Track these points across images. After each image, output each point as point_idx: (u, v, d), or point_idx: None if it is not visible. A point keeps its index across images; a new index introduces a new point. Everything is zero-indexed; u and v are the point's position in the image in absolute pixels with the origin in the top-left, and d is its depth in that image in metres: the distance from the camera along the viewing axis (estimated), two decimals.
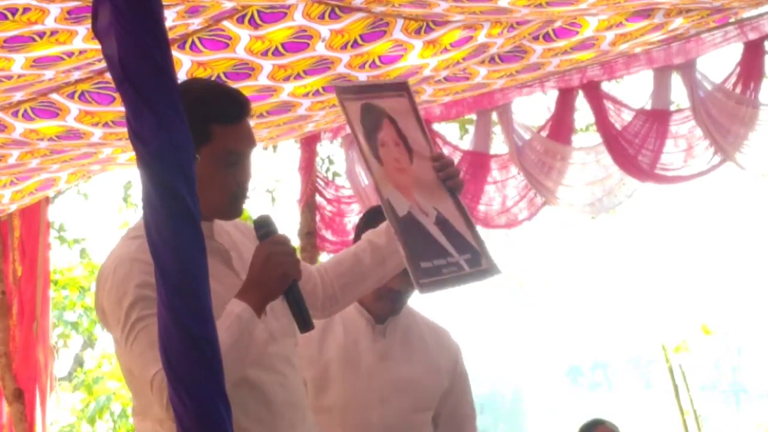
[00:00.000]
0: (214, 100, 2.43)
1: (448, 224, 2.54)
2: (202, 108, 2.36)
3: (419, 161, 2.58)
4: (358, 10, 3.32)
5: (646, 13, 3.86)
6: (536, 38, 3.93)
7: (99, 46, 1.80)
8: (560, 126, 5.07)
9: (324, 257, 5.49)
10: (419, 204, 2.52)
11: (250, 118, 2.47)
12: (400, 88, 2.68)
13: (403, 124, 2.60)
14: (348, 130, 2.50)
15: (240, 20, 3.28)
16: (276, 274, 2.32)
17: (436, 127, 5.44)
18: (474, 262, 2.53)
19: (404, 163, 2.56)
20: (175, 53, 3.36)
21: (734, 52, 4.63)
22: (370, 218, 2.99)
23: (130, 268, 2.33)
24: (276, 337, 2.45)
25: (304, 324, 2.36)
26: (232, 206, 2.46)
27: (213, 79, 3.67)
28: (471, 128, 5.63)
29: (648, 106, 4.85)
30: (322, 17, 3.32)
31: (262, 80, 3.78)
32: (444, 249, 2.50)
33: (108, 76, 2.80)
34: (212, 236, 2.46)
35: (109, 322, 2.38)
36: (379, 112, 2.57)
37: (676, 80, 4.78)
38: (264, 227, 2.40)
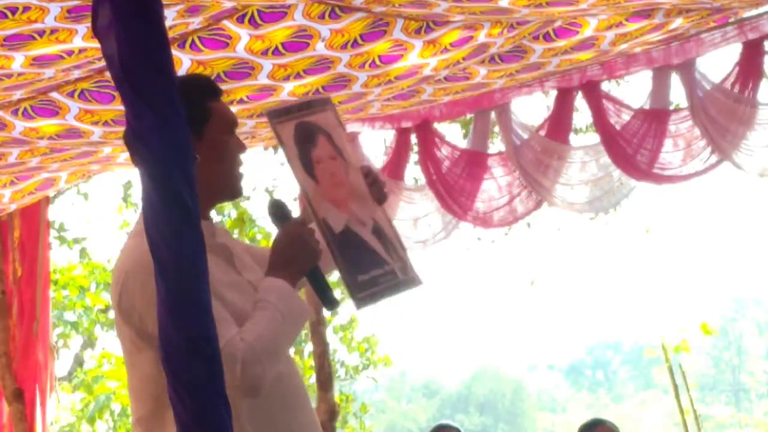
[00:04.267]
0: (199, 81, 2.61)
1: (382, 233, 2.60)
2: (196, 91, 2.51)
3: (353, 173, 2.63)
4: (358, 9, 3.33)
5: (646, 13, 3.86)
6: (536, 38, 3.94)
7: (99, 45, 1.80)
8: (558, 125, 5.07)
9: None
10: (356, 215, 2.57)
11: None
12: (324, 103, 2.72)
13: (336, 137, 2.64)
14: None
15: (240, 20, 3.28)
16: (306, 252, 2.44)
17: (437, 126, 5.44)
18: (404, 271, 2.59)
19: (340, 176, 2.61)
20: (175, 52, 3.36)
21: (733, 52, 4.64)
22: None
23: (149, 271, 2.36)
24: None
25: (330, 301, 2.48)
26: (236, 183, 2.56)
27: (213, 78, 3.67)
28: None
29: (647, 106, 4.85)
30: (322, 17, 3.33)
31: (262, 80, 3.78)
32: (381, 258, 2.55)
33: (108, 74, 2.80)
34: (214, 235, 2.52)
35: (144, 318, 2.37)
36: (312, 128, 2.61)
37: (676, 80, 4.78)
38: (281, 209, 2.53)
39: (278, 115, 2.57)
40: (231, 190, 2.57)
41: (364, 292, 2.47)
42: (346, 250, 2.49)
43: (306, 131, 2.58)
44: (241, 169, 2.58)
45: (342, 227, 2.51)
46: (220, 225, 2.67)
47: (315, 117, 2.62)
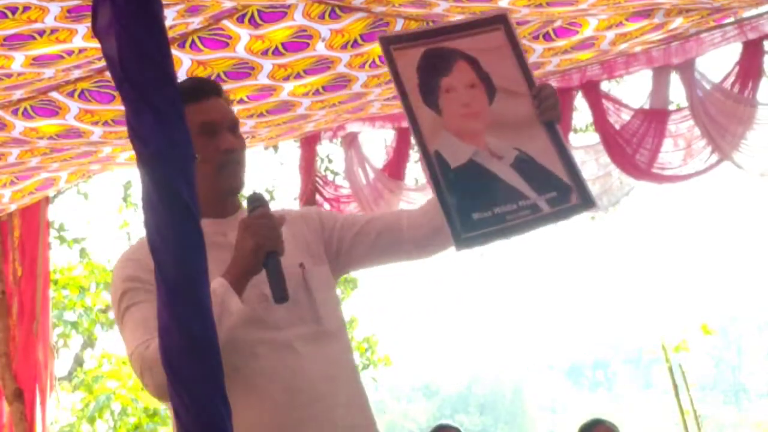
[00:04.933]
0: (183, 86, 2.57)
1: (531, 164, 2.42)
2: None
3: (507, 99, 2.46)
4: (358, 10, 3.33)
5: (646, 13, 3.86)
6: (536, 38, 3.94)
7: (99, 45, 1.80)
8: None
9: None
10: (491, 148, 2.43)
11: (219, 99, 2.59)
12: (495, 21, 2.52)
13: (490, 61, 2.48)
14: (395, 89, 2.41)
15: (240, 20, 3.28)
16: (250, 246, 2.37)
17: None
18: (560, 200, 2.39)
19: (478, 106, 2.47)
20: (175, 52, 3.36)
21: (733, 51, 4.64)
22: None
23: (123, 266, 2.51)
24: (281, 326, 2.46)
25: (277, 296, 2.37)
26: (217, 176, 2.52)
27: (212, 78, 3.67)
28: None
29: (647, 106, 4.85)
30: (322, 17, 3.33)
31: (262, 79, 3.78)
32: (516, 192, 2.40)
33: (108, 74, 2.80)
34: (225, 234, 2.51)
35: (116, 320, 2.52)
36: (448, 55, 2.48)
37: (675, 80, 4.78)
38: (252, 203, 2.47)
39: (400, 41, 2.46)
40: (223, 186, 2.56)
41: (475, 231, 2.34)
42: (462, 185, 2.37)
43: (437, 58, 2.47)
44: (232, 164, 2.54)
45: (465, 160, 2.40)
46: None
47: (461, 41, 2.47)
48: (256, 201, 2.47)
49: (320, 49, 3.56)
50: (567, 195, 2.40)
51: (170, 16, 3.03)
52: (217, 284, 2.34)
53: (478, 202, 2.36)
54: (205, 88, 2.58)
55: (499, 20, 2.52)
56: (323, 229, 2.65)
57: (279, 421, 2.40)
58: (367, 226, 2.64)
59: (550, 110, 2.47)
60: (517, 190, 2.40)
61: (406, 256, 2.66)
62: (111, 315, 11.25)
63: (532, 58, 4.18)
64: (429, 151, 2.38)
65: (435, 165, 2.38)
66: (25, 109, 3.81)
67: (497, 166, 2.40)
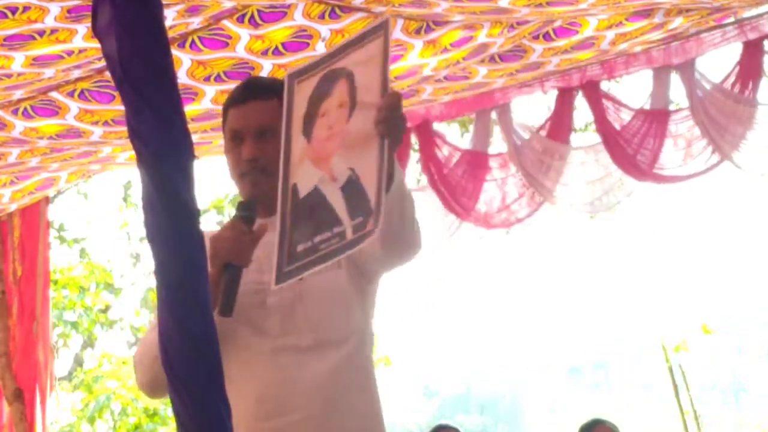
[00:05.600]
0: (234, 88, 2.69)
1: (356, 185, 2.20)
2: (227, 97, 2.66)
3: (361, 114, 2.22)
4: (358, 9, 3.33)
5: (646, 13, 3.86)
6: (536, 37, 3.93)
7: (99, 45, 1.80)
8: (559, 125, 5.07)
9: None
10: (332, 170, 2.23)
11: (260, 99, 2.57)
12: (377, 29, 2.26)
13: (362, 73, 2.26)
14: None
15: (240, 20, 3.28)
16: (209, 255, 2.28)
17: (437, 126, 5.44)
18: (361, 226, 2.17)
19: (338, 126, 2.26)
20: (175, 52, 3.36)
21: (733, 51, 4.64)
22: None
23: None
24: (272, 334, 2.47)
25: (221, 308, 2.36)
26: (241, 184, 2.57)
27: (212, 78, 3.67)
28: (472, 127, 5.64)
29: (647, 106, 4.85)
30: (322, 17, 3.33)
31: None
32: (335, 218, 2.21)
33: (108, 74, 2.80)
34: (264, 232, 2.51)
35: None
36: (336, 75, 2.30)
37: (675, 80, 4.78)
38: (237, 210, 2.49)
39: (305, 72, 2.34)
40: (244, 194, 2.58)
41: (296, 263, 2.22)
42: (302, 215, 2.25)
43: (325, 81, 2.31)
44: (254, 173, 2.53)
45: (311, 188, 2.26)
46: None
47: (351, 56, 2.27)
48: (241, 209, 2.48)
49: (320, 49, 3.56)
50: (367, 220, 2.16)
51: (170, 16, 3.03)
52: None
53: (306, 232, 2.23)
54: (243, 92, 2.61)
55: (381, 27, 2.26)
56: None
57: (245, 428, 2.41)
58: None
59: (383, 123, 2.16)
60: (336, 215, 2.21)
61: (382, 265, 2.57)
62: (111, 315, 11.26)
63: (532, 58, 4.18)
64: (288, 185, 2.28)
65: (287, 200, 2.28)
66: (25, 108, 3.81)
67: (330, 189, 2.23)
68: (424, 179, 5.50)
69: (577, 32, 3.95)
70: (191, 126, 2.85)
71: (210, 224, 10.58)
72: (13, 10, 2.83)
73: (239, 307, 2.40)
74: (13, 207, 5.37)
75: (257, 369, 2.46)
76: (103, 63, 3.29)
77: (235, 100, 2.60)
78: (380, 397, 2.60)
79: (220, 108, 4.00)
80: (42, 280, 5.54)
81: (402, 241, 2.43)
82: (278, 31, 3.39)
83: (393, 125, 2.16)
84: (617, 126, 4.88)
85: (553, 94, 5.08)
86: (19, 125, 3.93)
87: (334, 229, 2.20)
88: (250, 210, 2.47)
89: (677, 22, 4.10)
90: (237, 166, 2.56)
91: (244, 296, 2.42)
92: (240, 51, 3.48)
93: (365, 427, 2.53)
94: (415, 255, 2.53)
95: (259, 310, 2.47)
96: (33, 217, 5.56)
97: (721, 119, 4.62)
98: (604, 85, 4.99)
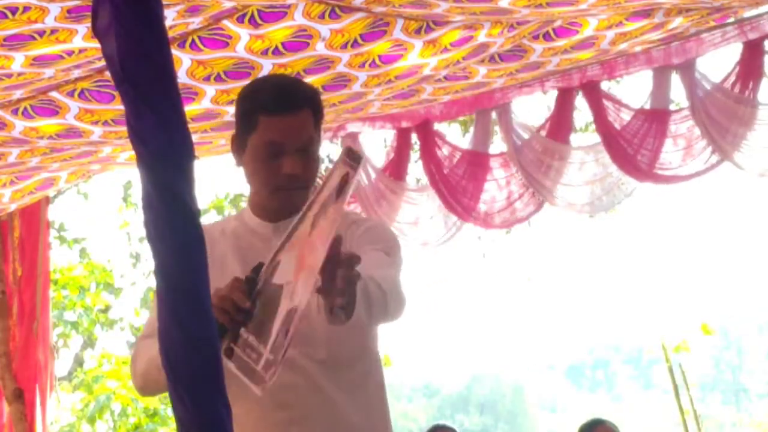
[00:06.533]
0: (264, 90, 2.47)
1: (291, 314, 2.06)
2: (252, 98, 2.46)
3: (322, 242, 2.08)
4: (358, 10, 3.33)
5: (646, 12, 3.86)
6: (536, 37, 3.93)
7: (99, 45, 1.80)
8: (559, 125, 5.07)
9: None
10: (297, 284, 2.08)
11: (303, 112, 2.44)
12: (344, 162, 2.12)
13: (324, 215, 2.12)
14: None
15: (240, 19, 3.28)
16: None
17: (437, 126, 5.44)
18: (268, 365, 2.06)
19: (327, 235, 2.09)
20: (175, 52, 3.36)
21: (734, 51, 4.64)
22: None
23: None
24: (294, 343, 2.46)
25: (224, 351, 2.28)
26: (273, 197, 2.48)
27: (213, 77, 3.68)
28: (472, 127, 5.64)
29: (647, 106, 4.85)
30: (322, 17, 3.33)
31: None
32: (267, 340, 2.09)
33: (108, 74, 2.80)
34: (269, 238, 2.51)
35: None
36: (352, 188, 2.15)
37: (676, 80, 4.79)
38: (255, 272, 2.25)
39: (358, 159, 2.07)
40: (273, 206, 2.50)
41: (228, 361, 2.12)
42: (264, 302, 2.14)
43: (349, 186, 2.07)
44: (291, 189, 2.45)
45: (278, 285, 2.12)
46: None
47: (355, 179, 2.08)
48: (351, 157, 2.09)
49: (320, 48, 3.56)
50: (272, 366, 2.06)
51: (170, 16, 3.03)
52: None
53: (253, 324, 2.13)
54: (292, 100, 2.44)
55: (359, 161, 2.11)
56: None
57: (255, 418, 2.45)
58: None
59: (326, 286, 2.06)
60: (269, 335, 2.08)
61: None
62: (111, 315, 11.26)
63: (532, 58, 4.18)
64: (276, 258, 2.14)
65: (267, 274, 2.15)
66: (25, 108, 3.81)
67: (283, 307, 2.07)
68: (425, 179, 5.51)
69: (577, 32, 3.95)
70: (191, 126, 2.86)
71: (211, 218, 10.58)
72: (13, 10, 2.83)
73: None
74: (13, 207, 5.37)
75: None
76: (103, 63, 3.29)
77: (273, 109, 2.42)
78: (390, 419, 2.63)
79: (220, 108, 4.01)
80: (42, 280, 5.55)
81: (386, 320, 2.43)
82: (278, 31, 3.39)
83: (332, 294, 2.07)
84: (617, 126, 4.89)
85: (553, 94, 5.08)
86: (19, 125, 3.93)
87: (260, 350, 2.09)
88: (257, 273, 2.22)
89: (677, 22, 4.10)
90: (274, 178, 2.44)
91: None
92: (240, 51, 3.48)
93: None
94: (402, 312, 2.48)
95: None
96: (33, 217, 5.57)
97: (721, 119, 4.62)
98: (604, 85, 5.00)
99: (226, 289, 2.17)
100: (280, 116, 2.42)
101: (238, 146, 2.51)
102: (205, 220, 10.37)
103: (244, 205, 2.66)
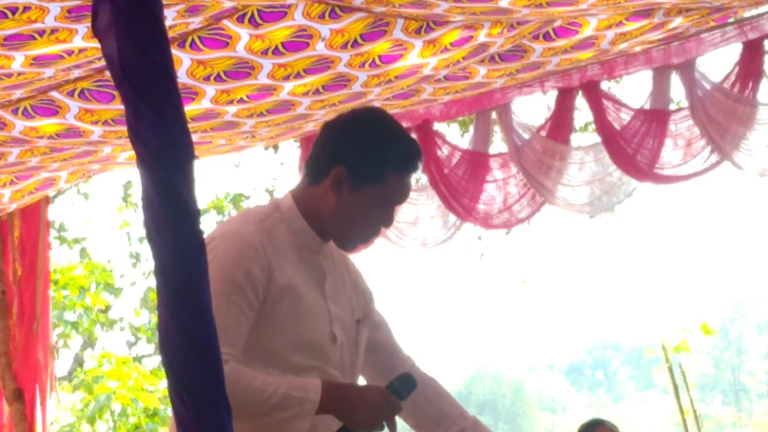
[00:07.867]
0: (399, 150, 2.61)
1: None
2: (387, 150, 2.58)
3: None
4: (359, 9, 3.33)
5: (646, 12, 3.86)
6: (536, 37, 3.94)
7: (99, 45, 1.80)
8: (559, 125, 5.07)
9: None
10: None
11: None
12: None
13: None
14: None
15: (240, 19, 3.28)
16: (362, 419, 2.46)
17: (437, 126, 5.44)
18: None
19: None
20: (175, 52, 3.36)
21: (733, 51, 4.64)
22: None
23: (240, 250, 2.51)
24: (331, 365, 2.59)
25: None
26: (353, 241, 2.63)
27: (212, 77, 3.68)
28: (472, 127, 5.64)
29: (647, 106, 4.85)
30: (322, 17, 3.33)
31: (262, 79, 3.78)
32: None
33: (108, 74, 2.80)
34: (318, 252, 2.62)
35: None
36: None
37: (675, 80, 4.78)
38: (402, 385, 2.56)
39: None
40: (348, 236, 2.63)
41: None
42: None
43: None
44: (375, 234, 2.66)
45: None
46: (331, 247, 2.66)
47: None
48: (403, 385, 2.56)
49: (320, 48, 3.56)
50: None
51: (170, 16, 3.03)
52: (314, 397, 2.43)
53: None
54: (418, 165, 2.64)
55: None
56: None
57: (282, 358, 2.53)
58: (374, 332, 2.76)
59: None
60: None
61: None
62: (111, 315, 11.26)
63: (532, 58, 4.19)
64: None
65: None
66: (25, 108, 3.81)
67: None
68: (424, 179, 5.51)
69: (577, 32, 3.95)
70: (191, 126, 2.86)
71: (211, 223, 10.59)
72: (13, 10, 2.83)
73: (309, 324, 2.51)
74: (13, 207, 5.37)
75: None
76: (103, 63, 3.29)
77: (407, 172, 2.61)
78: None
79: (220, 108, 4.02)
80: (42, 280, 5.55)
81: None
82: (278, 31, 3.39)
83: None
84: (617, 126, 4.88)
85: (553, 94, 5.08)
86: (19, 125, 3.93)
87: None
88: (409, 389, 2.57)
89: (677, 22, 4.10)
90: (376, 226, 2.61)
91: (314, 318, 2.53)
92: (240, 51, 3.48)
93: None
94: None
95: (330, 343, 2.57)
96: (33, 217, 5.56)
97: (721, 119, 4.62)
98: (604, 85, 4.99)
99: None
100: (408, 178, 2.61)
101: (351, 186, 2.57)
102: (205, 220, 10.37)
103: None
